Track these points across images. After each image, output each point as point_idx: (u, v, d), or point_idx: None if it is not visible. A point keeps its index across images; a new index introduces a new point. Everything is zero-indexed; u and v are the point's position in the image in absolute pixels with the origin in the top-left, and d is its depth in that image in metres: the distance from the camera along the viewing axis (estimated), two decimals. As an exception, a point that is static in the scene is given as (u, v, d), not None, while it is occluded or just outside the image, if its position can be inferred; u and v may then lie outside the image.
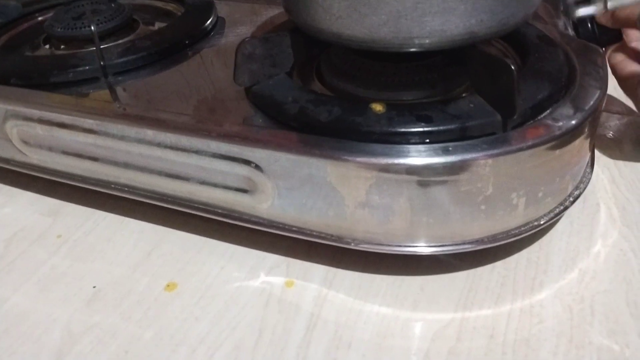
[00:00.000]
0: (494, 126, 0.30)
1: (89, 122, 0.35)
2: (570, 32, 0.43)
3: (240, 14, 0.49)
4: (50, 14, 0.48)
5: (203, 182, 0.34)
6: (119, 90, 0.38)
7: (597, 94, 0.33)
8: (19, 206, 0.42)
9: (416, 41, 0.30)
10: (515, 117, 0.29)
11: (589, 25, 0.44)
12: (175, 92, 0.37)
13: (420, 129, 0.29)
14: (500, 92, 0.29)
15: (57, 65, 0.39)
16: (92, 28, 0.39)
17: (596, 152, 0.43)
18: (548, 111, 0.31)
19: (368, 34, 0.30)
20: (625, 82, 0.41)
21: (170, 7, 0.52)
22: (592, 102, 0.32)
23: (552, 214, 0.33)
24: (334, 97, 0.33)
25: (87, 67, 0.39)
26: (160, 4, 0.52)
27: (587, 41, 0.43)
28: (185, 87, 0.38)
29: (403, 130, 0.29)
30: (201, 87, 0.38)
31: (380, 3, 0.29)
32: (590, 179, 0.36)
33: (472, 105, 0.30)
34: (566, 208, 0.34)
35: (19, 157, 0.40)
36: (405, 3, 0.29)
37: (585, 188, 0.35)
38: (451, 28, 0.29)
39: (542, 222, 0.32)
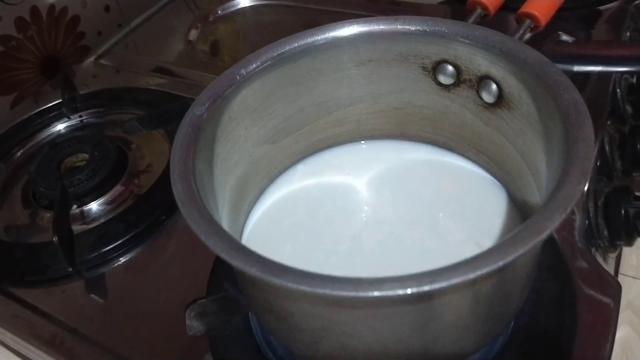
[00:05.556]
0: None
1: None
2: (601, 233, 0.38)
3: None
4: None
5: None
6: (87, 293, 0.39)
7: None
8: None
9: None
10: None
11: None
12: (135, 309, 0.37)
13: None
14: None
15: (33, 266, 0.40)
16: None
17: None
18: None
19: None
20: None
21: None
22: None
23: None
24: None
25: (59, 267, 0.39)
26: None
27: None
28: (148, 294, 0.38)
29: None
30: (164, 296, 0.37)
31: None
32: None
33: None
34: None
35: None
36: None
37: None
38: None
39: None
